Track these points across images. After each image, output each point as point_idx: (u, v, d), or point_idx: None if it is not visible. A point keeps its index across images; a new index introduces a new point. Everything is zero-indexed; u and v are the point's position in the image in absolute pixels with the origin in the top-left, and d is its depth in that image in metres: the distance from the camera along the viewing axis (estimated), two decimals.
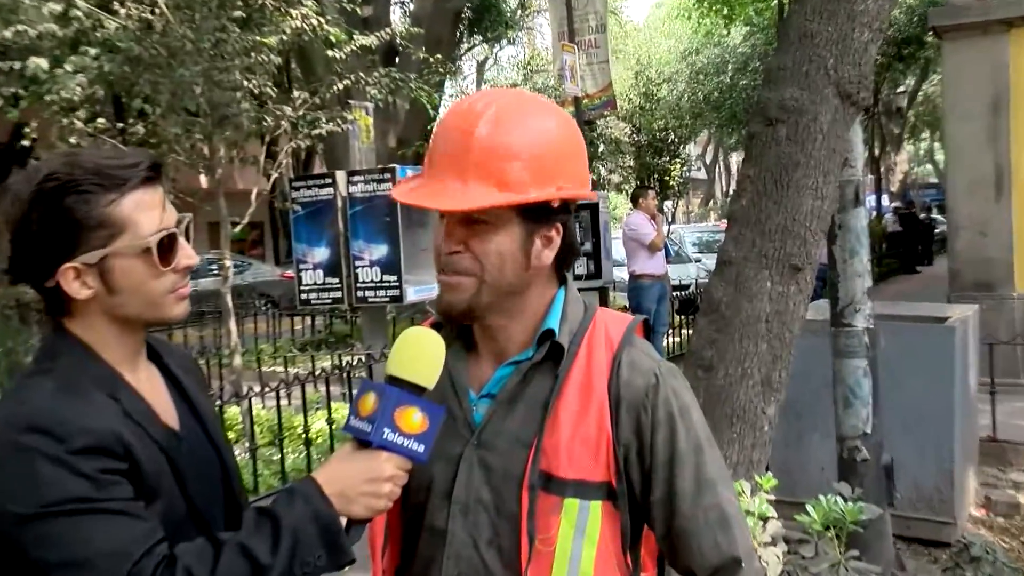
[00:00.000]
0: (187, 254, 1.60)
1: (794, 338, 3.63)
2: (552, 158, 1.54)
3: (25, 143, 8.10)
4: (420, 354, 1.53)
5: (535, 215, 1.56)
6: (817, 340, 4.86)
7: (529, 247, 1.59)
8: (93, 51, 7.31)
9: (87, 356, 1.55)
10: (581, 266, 11.04)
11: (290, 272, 21.00)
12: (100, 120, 7.74)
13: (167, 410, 1.65)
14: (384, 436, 1.48)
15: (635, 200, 11.13)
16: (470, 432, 1.63)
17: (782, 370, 3.58)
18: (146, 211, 1.54)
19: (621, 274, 12.36)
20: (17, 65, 7.01)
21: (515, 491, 1.57)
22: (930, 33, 14.54)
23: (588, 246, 10.80)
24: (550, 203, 1.55)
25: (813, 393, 5.15)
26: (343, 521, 1.49)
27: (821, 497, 3.41)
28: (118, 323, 1.57)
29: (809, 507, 3.36)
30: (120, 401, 1.52)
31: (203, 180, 18.70)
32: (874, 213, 29.51)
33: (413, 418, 1.49)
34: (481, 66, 28.14)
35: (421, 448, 1.49)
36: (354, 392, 7.83)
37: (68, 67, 7.17)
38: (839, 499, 3.40)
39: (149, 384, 1.64)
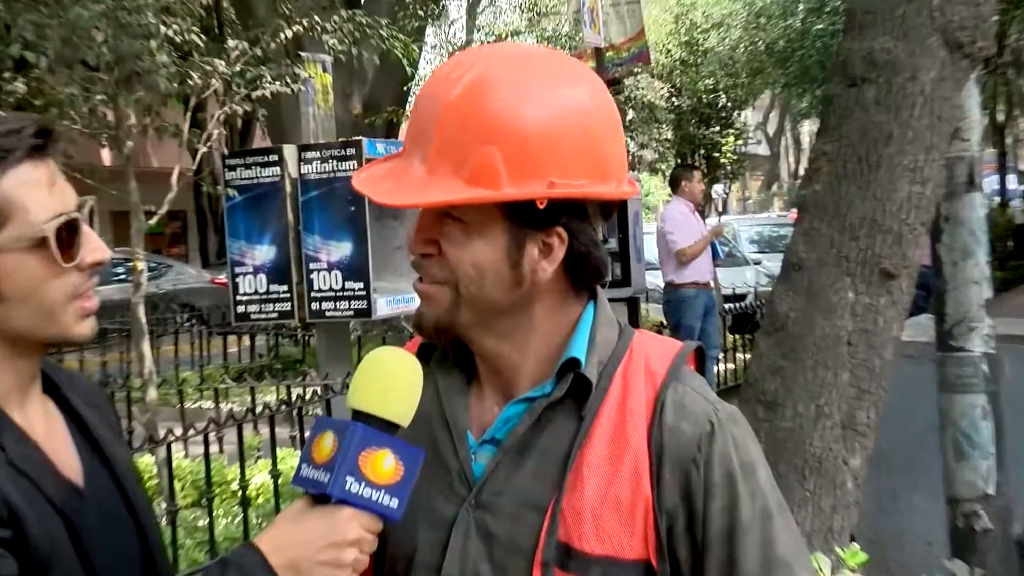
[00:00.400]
0: (94, 246, 1.59)
1: (886, 366, 3.62)
2: (545, 142, 1.52)
3: None
4: (392, 382, 1.52)
5: (524, 217, 1.55)
6: (918, 369, 4.84)
7: (518, 258, 1.58)
8: None
9: None
10: None
11: (223, 277, 21.02)
12: None
13: (67, 460, 1.64)
14: (346, 487, 1.46)
15: (675, 183, 11.13)
16: (467, 489, 1.62)
17: (870, 408, 3.58)
18: (35, 191, 1.54)
19: (656, 280, 12.38)
20: None
21: (524, 568, 1.57)
22: None
23: (613, 243, 10.83)
24: (535, 203, 1.54)
25: (914, 439, 5.12)
26: None
27: None
28: (2, 344, 1.57)
29: None
30: (4, 448, 1.52)
31: (107, 156, 18.74)
32: (997, 200, 29.39)
33: (383, 464, 1.47)
34: (472, 8, 28.14)
35: (394, 503, 1.48)
36: (307, 434, 7.85)
37: None
38: None
39: (44, 425, 1.64)
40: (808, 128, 47.02)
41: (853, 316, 3.55)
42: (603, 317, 1.68)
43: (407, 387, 1.52)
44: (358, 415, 1.50)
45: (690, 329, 10.29)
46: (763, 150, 48.16)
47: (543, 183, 1.52)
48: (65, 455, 1.64)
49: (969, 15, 3.60)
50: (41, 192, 1.54)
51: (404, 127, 15.95)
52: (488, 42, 27.95)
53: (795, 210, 3.99)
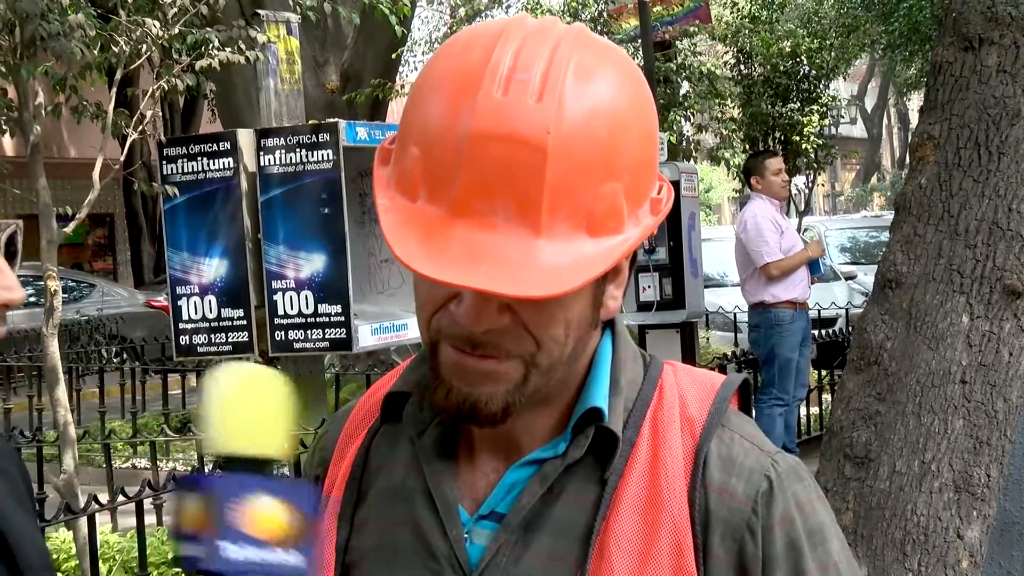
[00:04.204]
0: (4, 284, 1.64)
1: (1013, 410, 3.62)
2: (649, 152, 1.55)
3: None
4: (251, 406, 1.53)
5: None
6: None
7: (601, 296, 1.61)
8: None
9: None
10: (650, 287, 11.03)
11: (162, 299, 21.09)
12: None
13: None
14: (227, 556, 1.46)
15: (749, 174, 11.05)
16: None
17: (991, 465, 3.57)
18: None
19: (716, 299, 12.33)
20: None
21: None
22: None
23: (661, 254, 10.82)
24: None
25: None
26: None
27: None
28: None
29: None
30: None
31: (8, 144, 18.76)
32: None
33: (266, 512, 1.48)
34: None
35: (300, 560, 1.47)
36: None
37: None
38: None
39: None
40: (918, 103, 46.98)
41: (968, 346, 3.55)
42: (625, 351, 1.69)
43: (270, 407, 1.54)
44: (227, 462, 1.51)
45: (787, 362, 10.26)
46: (859, 132, 48.13)
47: (648, 203, 1.55)
48: None
49: None
50: None
51: (393, 106, 15.96)
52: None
53: (895, 210, 3.97)
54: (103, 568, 6.77)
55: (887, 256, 3.68)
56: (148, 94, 8.82)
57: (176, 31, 8.52)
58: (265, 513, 1.46)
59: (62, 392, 7.95)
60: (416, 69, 26.28)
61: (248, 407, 1.52)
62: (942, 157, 3.64)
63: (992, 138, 3.61)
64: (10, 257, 1.65)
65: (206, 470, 6.94)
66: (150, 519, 6.89)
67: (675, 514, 1.59)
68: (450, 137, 1.46)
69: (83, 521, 6.57)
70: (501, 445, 1.66)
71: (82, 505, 6.42)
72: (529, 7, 21.60)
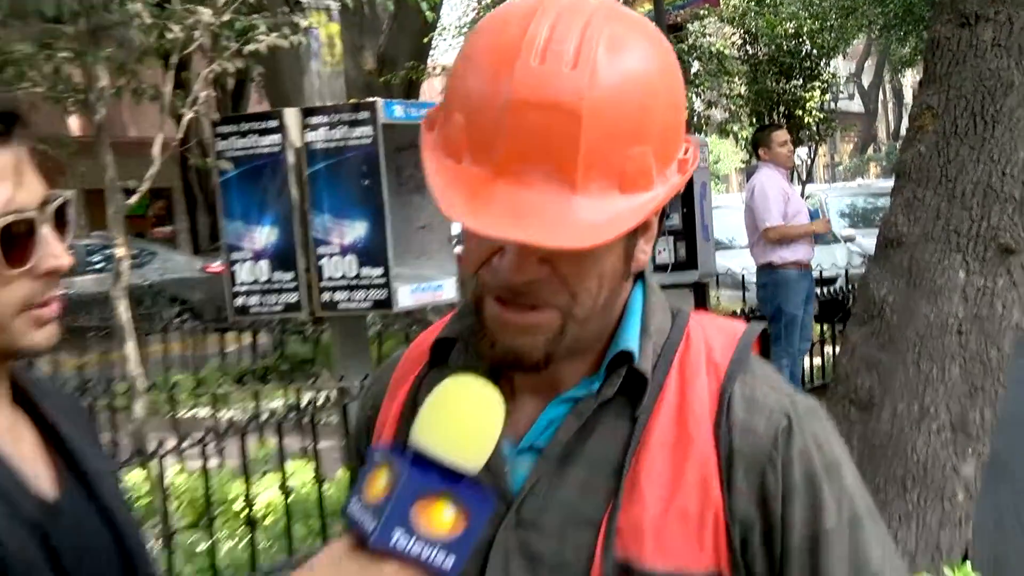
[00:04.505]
0: (52, 252, 1.62)
1: (1004, 358, 3.62)
2: (676, 116, 1.56)
3: None
4: (467, 423, 1.52)
5: None
6: None
7: (632, 249, 1.62)
8: None
9: None
10: (665, 250, 11.02)
11: (218, 264, 21.10)
12: None
13: (41, 474, 1.68)
14: (393, 540, 1.46)
15: (757, 145, 11.06)
16: (505, 504, 1.63)
17: (984, 408, 3.58)
18: None
19: (726, 261, 12.32)
20: None
21: None
22: None
23: (675, 220, 10.80)
24: None
25: None
26: None
27: None
28: None
29: None
30: None
31: (75, 124, 18.81)
32: None
33: (443, 515, 1.47)
34: None
35: (449, 561, 1.46)
36: (320, 446, 7.74)
37: None
38: None
39: (13, 439, 1.68)
40: (911, 79, 46.69)
41: (964, 300, 3.55)
42: (655, 301, 1.70)
43: (485, 429, 1.52)
44: (419, 456, 1.49)
45: (793, 318, 10.30)
46: (856, 106, 47.83)
47: (674, 166, 1.56)
48: (38, 470, 1.68)
49: None
50: None
51: (426, 87, 15.89)
52: None
53: (895, 176, 3.96)
54: (173, 505, 6.80)
55: (888, 218, 3.67)
56: (201, 77, 8.82)
57: (226, 18, 8.51)
58: (442, 515, 1.47)
59: (131, 348, 8.01)
60: (445, 53, 26.24)
61: (463, 418, 1.52)
62: (940, 126, 3.63)
63: (987, 108, 3.60)
64: (62, 227, 1.65)
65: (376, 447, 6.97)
66: (213, 462, 6.93)
67: (701, 450, 1.60)
68: (491, 104, 1.48)
69: (154, 464, 6.62)
70: (540, 386, 1.67)
71: (152, 449, 6.47)
72: None
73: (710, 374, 1.64)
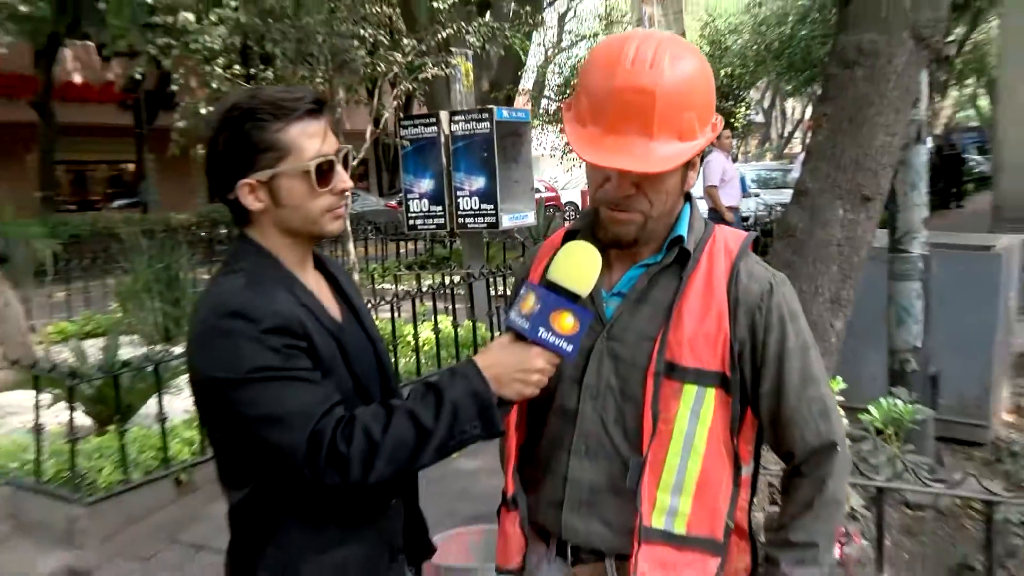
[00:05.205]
0: (343, 179, 1.63)
1: (862, 262, 3.57)
2: (710, 98, 1.55)
3: (174, 86, 8.28)
4: (580, 266, 1.53)
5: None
6: (873, 267, 4.78)
7: (685, 176, 1.61)
8: (233, 4, 7.42)
9: (267, 259, 1.61)
10: None
11: (393, 202, 21.14)
12: (236, 67, 7.88)
13: (332, 306, 1.70)
14: (539, 334, 1.50)
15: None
16: (601, 326, 1.64)
17: (851, 289, 3.53)
18: (308, 139, 1.57)
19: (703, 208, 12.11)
20: (169, 19, 7.18)
21: (640, 378, 1.60)
22: None
23: None
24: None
25: (871, 312, 5.08)
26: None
27: (882, 400, 3.42)
28: (287, 234, 1.62)
29: (872, 407, 3.38)
30: (296, 295, 1.59)
31: None
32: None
33: (566, 321, 1.49)
34: (562, 18, 27.62)
35: (570, 348, 1.50)
36: (454, 307, 7.75)
37: (212, 18, 7.30)
38: (898, 402, 3.42)
39: (317, 286, 1.70)
40: (791, 103, 45.44)
41: (841, 227, 3.49)
42: (696, 212, 1.69)
43: (589, 271, 1.53)
44: (552, 286, 1.52)
45: None
46: (760, 119, 46.64)
47: (711, 125, 1.55)
48: (330, 303, 1.71)
49: (932, 16, 3.48)
50: (312, 140, 1.58)
51: (518, 100, 15.60)
52: (573, 42, 27.47)
53: (804, 153, 3.89)
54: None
55: (801, 178, 3.61)
56: (395, 93, 8.80)
57: (409, 59, 8.48)
58: (566, 320, 1.49)
59: (351, 247, 8.12)
60: (529, 80, 25.88)
61: (579, 263, 1.53)
62: (831, 125, 3.56)
63: (859, 116, 3.53)
64: (345, 165, 1.65)
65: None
66: (396, 314, 6.91)
67: (719, 298, 1.60)
68: (604, 90, 1.50)
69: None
70: (625, 257, 1.67)
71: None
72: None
73: (726, 257, 1.64)
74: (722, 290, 1.60)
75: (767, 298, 1.61)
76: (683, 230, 1.64)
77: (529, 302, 1.52)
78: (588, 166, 1.58)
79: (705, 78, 1.53)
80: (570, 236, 1.71)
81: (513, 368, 1.51)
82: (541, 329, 1.50)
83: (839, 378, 3.30)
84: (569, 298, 1.51)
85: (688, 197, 1.69)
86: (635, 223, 1.59)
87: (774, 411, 1.62)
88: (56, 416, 5.23)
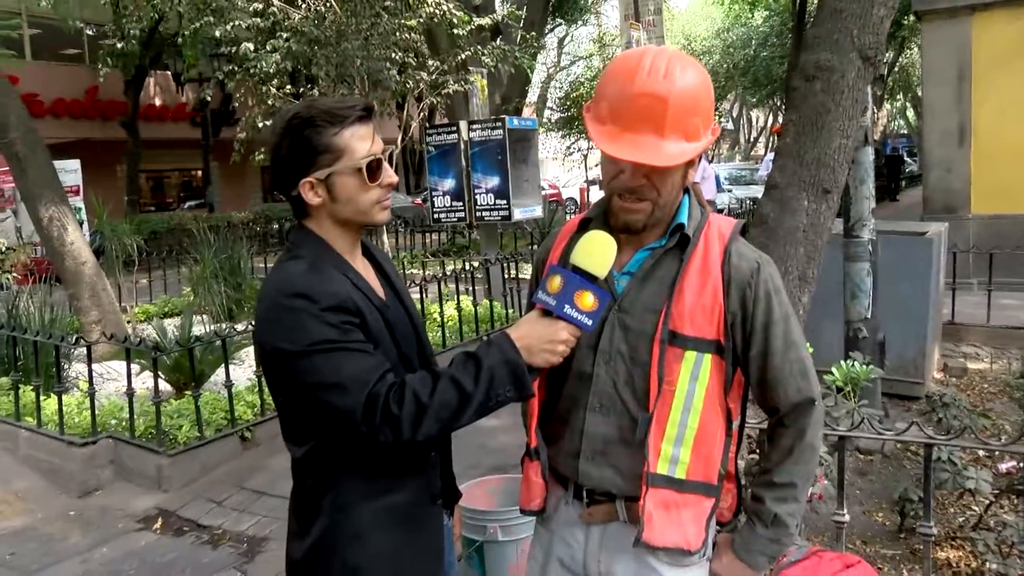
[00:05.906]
0: (389, 174, 1.60)
1: (824, 245, 3.54)
2: (711, 105, 1.52)
3: (235, 105, 8.25)
4: (599, 253, 1.51)
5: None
6: (831, 250, 4.76)
7: (687, 172, 1.58)
8: (285, 35, 7.38)
9: (323, 246, 1.59)
10: None
11: (419, 200, 21.07)
12: (287, 87, 7.85)
13: (377, 287, 1.68)
14: (565, 310, 1.48)
15: None
16: (613, 301, 1.62)
17: (815, 268, 3.50)
18: (359, 141, 1.54)
19: None
20: (232, 50, 7.16)
21: (647, 345, 1.58)
22: (910, 16, 14.11)
23: None
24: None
25: (829, 288, 5.06)
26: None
27: (842, 362, 3.43)
28: (340, 224, 1.60)
29: (834, 369, 3.38)
30: (349, 277, 1.57)
31: None
32: None
33: (588, 299, 1.48)
34: (561, 42, 27.46)
35: (590, 322, 1.49)
36: (474, 288, 7.72)
37: (268, 48, 7.26)
38: (856, 364, 3.42)
39: (364, 269, 1.68)
40: (756, 113, 45.09)
41: (806, 216, 3.46)
42: (694, 202, 1.66)
43: (606, 256, 1.51)
44: (575, 268, 1.50)
45: None
46: (730, 126, 46.33)
47: (711, 129, 1.52)
48: (376, 285, 1.68)
49: (874, 40, 3.43)
50: (363, 142, 1.55)
51: (526, 111, 15.53)
52: (571, 61, 27.28)
53: (774, 154, 3.83)
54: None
55: (771, 175, 3.56)
56: (420, 106, 8.76)
57: (433, 77, 8.42)
58: (587, 299, 1.47)
59: (385, 238, 8.07)
60: (534, 95, 25.74)
61: (597, 251, 1.51)
62: (796, 129, 3.51)
63: (818, 122, 3.48)
64: (391, 163, 1.64)
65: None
66: (423, 295, 6.82)
67: (714, 277, 1.57)
68: (623, 95, 1.47)
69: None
70: (634, 241, 1.63)
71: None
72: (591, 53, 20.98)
73: (720, 241, 1.61)
74: (717, 269, 1.58)
75: (755, 276, 1.58)
76: (684, 218, 1.61)
77: (555, 282, 1.50)
78: (604, 158, 1.55)
79: (708, 89, 1.50)
80: (584, 222, 1.69)
81: (542, 340, 1.49)
82: (566, 306, 1.48)
83: (808, 344, 3.26)
84: (589, 279, 1.49)
85: (687, 189, 1.65)
86: (645, 212, 1.56)
87: (761, 372, 1.60)
88: (144, 382, 5.31)
